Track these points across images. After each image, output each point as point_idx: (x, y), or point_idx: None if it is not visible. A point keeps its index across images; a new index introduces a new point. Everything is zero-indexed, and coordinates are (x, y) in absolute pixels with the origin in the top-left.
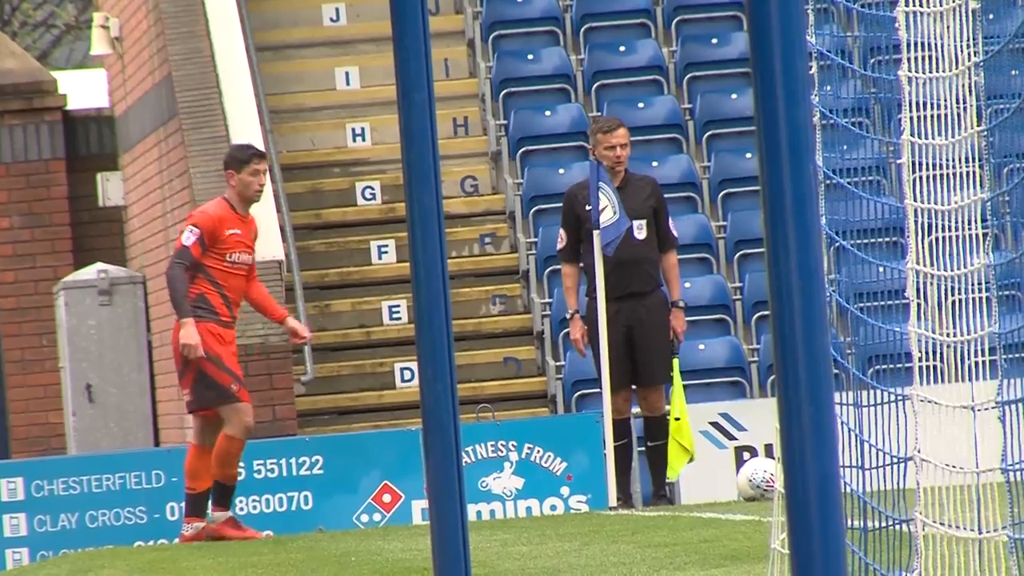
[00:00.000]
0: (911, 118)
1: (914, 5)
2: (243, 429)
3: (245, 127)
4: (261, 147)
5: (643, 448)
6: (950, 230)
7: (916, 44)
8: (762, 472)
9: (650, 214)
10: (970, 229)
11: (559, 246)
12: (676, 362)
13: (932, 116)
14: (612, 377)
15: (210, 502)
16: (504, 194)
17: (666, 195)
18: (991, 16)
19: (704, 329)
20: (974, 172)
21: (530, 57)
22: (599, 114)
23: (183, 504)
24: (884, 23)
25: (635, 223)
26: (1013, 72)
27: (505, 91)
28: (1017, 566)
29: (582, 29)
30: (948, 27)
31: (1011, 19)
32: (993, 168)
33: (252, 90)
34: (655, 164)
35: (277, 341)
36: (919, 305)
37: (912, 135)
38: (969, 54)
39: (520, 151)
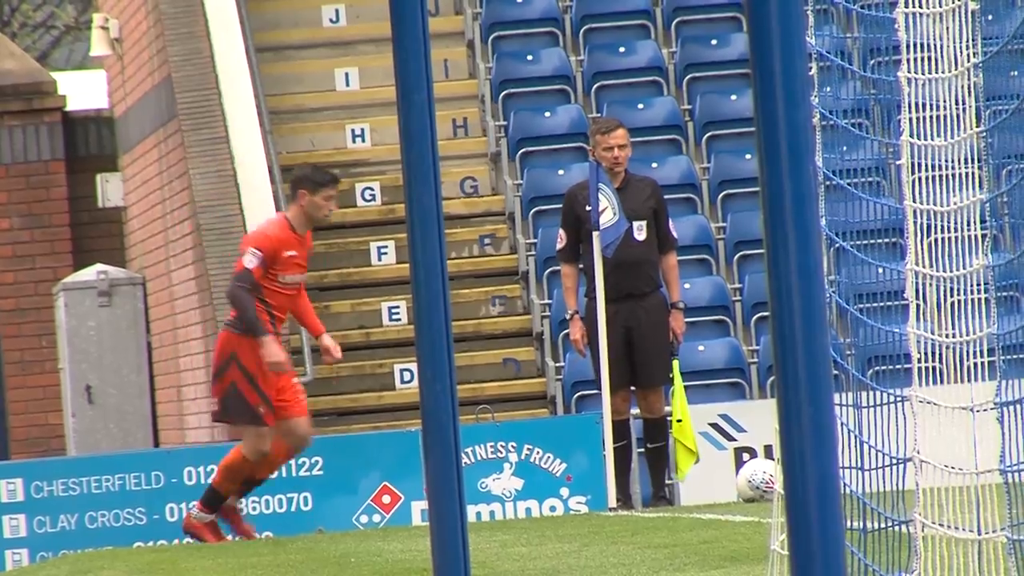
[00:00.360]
0: (910, 119)
1: (913, 6)
2: (256, 452)
3: (245, 128)
4: (262, 149)
5: (643, 449)
6: (949, 231)
7: (915, 45)
8: (762, 473)
9: (650, 215)
10: (969, 230)
11: (559, 246)
12: (676, 364)
13: (931, 117)
14: (611, 378)
15: (199, 500)
16: (504, 195)
17: (666, 196)
18: (990, 17)
19: (704, 330)
20: (973, 173)
21: (530, 58)
22: (599, 115)
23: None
24: (883, 24)
25: (635, 224)
26: (1012, 73)
27: (505, 92)
28: (1016, 567)
29: (582, 30)
30: (947, 28)
31: (1010, 20)
32: (992, 169)
33: (252, 91)
34: (655, 165)
35: None
36: (918, 306)
37: (911, 136)
38: (968, 55)
39: (520, 152)
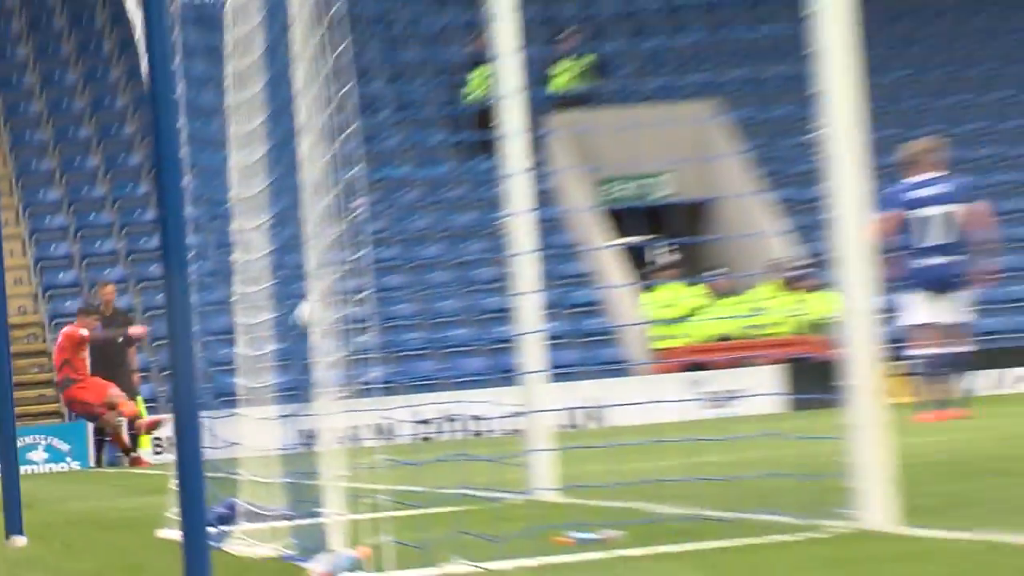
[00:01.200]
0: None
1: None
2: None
3: None
4: None
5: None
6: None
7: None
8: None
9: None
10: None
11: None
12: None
13: (252, 259)
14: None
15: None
16: (41, 314)
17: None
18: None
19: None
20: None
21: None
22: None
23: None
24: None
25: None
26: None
27: (40, 265)
28: (290, 498)
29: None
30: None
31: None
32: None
33: None
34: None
35: None
36: (242, 362)
37: (240, 281)
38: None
39: (47, 293)
